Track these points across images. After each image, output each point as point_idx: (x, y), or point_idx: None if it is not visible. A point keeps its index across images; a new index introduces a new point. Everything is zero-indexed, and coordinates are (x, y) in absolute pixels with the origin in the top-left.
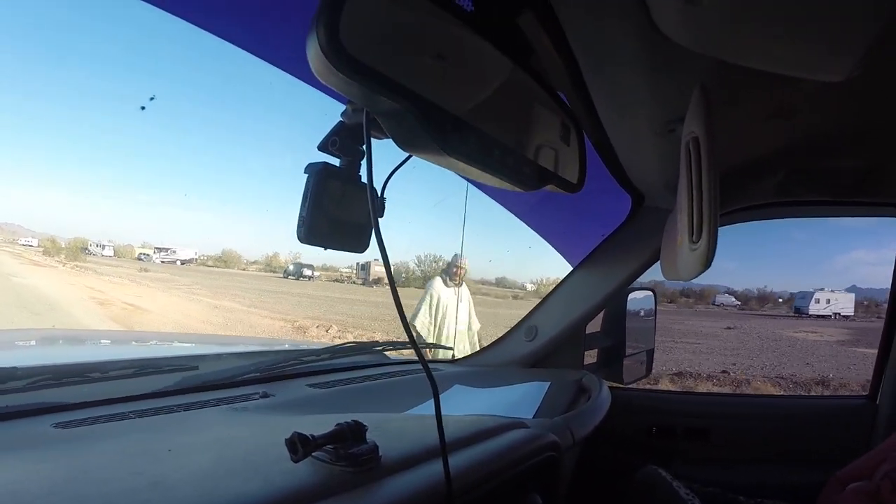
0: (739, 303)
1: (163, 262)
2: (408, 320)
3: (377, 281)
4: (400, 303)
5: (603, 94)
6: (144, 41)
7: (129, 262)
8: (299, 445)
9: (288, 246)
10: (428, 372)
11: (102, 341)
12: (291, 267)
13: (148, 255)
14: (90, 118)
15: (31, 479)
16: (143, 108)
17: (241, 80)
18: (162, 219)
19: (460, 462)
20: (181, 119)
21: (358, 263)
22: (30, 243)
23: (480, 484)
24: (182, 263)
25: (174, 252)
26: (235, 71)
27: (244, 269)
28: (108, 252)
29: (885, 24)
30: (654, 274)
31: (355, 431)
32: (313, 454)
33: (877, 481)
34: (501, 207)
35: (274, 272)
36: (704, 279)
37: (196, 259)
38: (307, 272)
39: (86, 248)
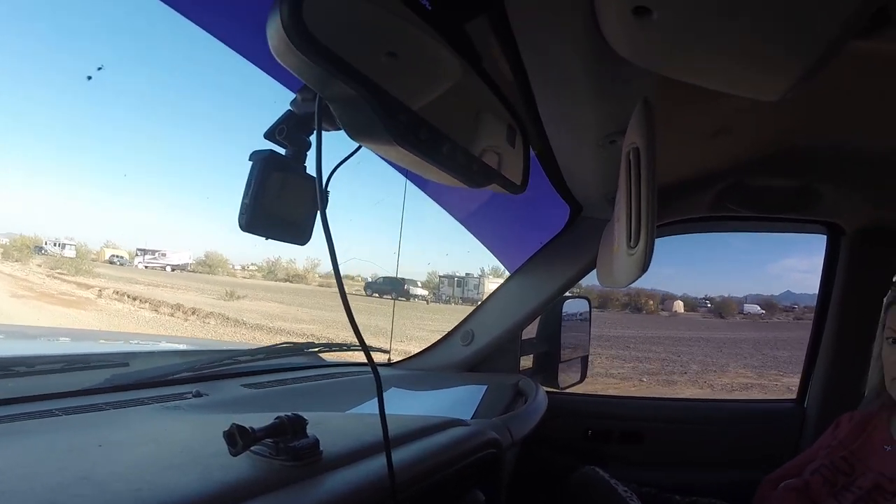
0: (764, 311)
1: (147, 266)
2: None
3: None
4: (347, 300)
5: (548, 102)
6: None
7: (186, 278)
8: (238, 437)
9: (305, 251)
10: (373, 366)
11: (29, 336)
12: (381, 280)
13: (122, 257)
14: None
15: None
16: (89, 77)
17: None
18: (111, 215)
19: (403, 457)
20: (125, 96)
21: (450, 278)
22: None
23: (423, 479)
24: (172, 269)
25: (163, 255)
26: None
27: (233, 276)
28: (70, 252)
29: (819, 54)
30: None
31: (296, 425)
32: (252, 449)
33: (806, 477)
34: (441, 211)
35: (290, 281)
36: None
37: (190, 265)
38: (416, 290)
39: (41, 248)
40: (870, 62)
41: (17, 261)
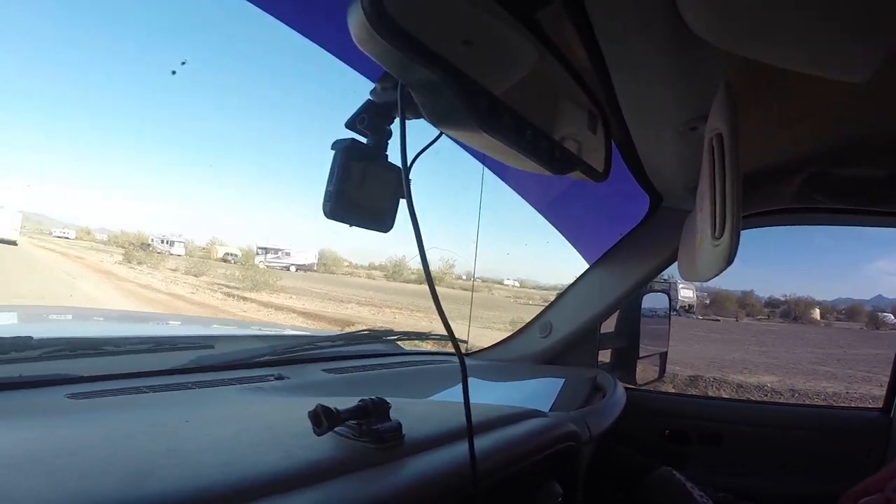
0: None
1: (268, 266)
2: None
3: (689, 309)
4: (435, 290)
5: (627, 89)
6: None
7: (328, 282)
8: (324, 418)
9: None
10: (459, 354)
11: (118, 318)
12: None
13: (235, 255)
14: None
15: (49, 443)
16: (173, 72)
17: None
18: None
19: (484, 445)
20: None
21: None
22: (66, 235)
23: (503, 468)
24: (297, 269)
25: (287, 254)
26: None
27: (350, 275)
28: (179, 249)
29: None
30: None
31: (379, 408)
32: (335, 429)
33: (888, 494)
34: (518, 201)
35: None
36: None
37: (316, 264)
38: (686, 292)
39: (147, 246)
40: None
41: (141, 263)
